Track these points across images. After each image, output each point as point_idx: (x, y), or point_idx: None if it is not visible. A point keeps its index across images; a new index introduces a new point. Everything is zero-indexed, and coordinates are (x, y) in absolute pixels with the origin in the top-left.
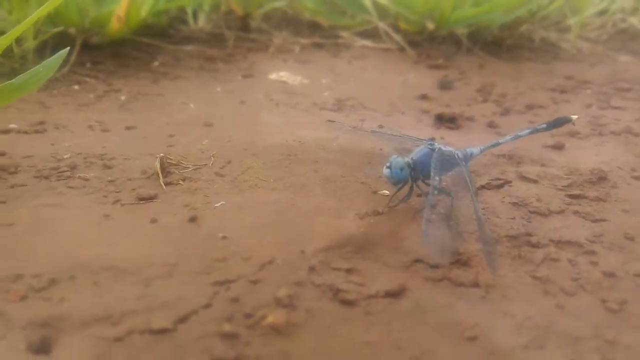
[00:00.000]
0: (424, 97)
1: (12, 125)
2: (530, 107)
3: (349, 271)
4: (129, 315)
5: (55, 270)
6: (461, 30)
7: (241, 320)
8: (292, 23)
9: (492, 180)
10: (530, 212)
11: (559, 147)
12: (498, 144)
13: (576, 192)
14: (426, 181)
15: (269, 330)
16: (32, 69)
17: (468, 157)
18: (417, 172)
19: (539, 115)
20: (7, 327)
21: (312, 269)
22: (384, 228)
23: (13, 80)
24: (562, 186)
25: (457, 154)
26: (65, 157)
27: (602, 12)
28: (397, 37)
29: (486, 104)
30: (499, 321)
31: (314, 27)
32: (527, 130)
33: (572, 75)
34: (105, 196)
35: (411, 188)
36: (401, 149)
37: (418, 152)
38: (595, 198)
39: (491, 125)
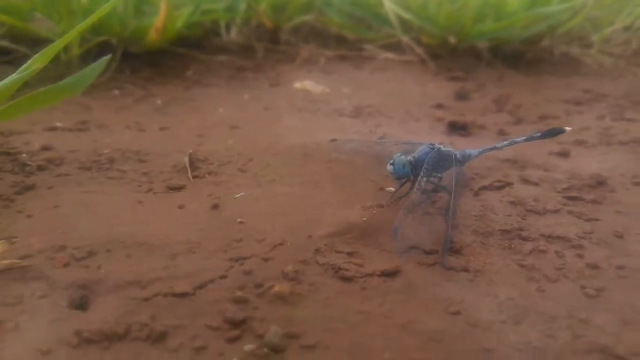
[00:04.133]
0: (439, 106)
1: (58, 124)
2: (543, 118)
3: (350, 254)
4: (155, 282)
5: (94, 244)
6: (482, 44)
7: (252, 289)
8: (319, 36)
9: (494, 182)
10: (526, 210)
11: (564, 154)
12: (495, 147)
13: (573, 194)
14: (426, 178)
15: (275, 298)
16: (77, 73)
17: (466, 158)
18: (418, 169)
19: (550, 125)
20: (52, 288)
21: (317, 250)
22: (385, 218)
23: (60, 82)
24: (561, 189)
25: (456, 155)
26: (105, 152)
27: (627, 28)
28: (419, 50)
29: (500, 113)
30: (482, 300)
31: (339, 40)
32: (523, 137)
33: (591, 88)
34: (139, 186)
35: (412, 184)
36: (408, 151)
37: (420, 151)
38: (591, 200)
39: (501, 133)
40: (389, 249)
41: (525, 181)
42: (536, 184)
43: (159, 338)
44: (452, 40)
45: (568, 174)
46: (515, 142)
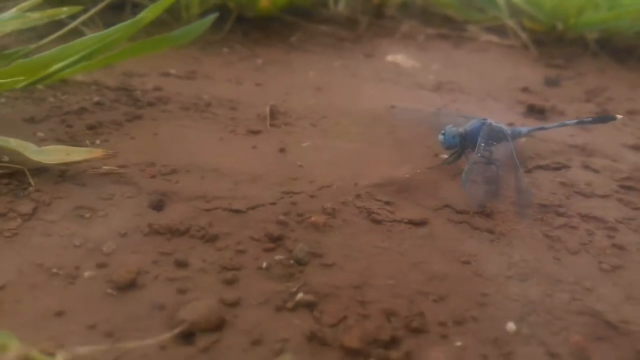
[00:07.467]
0: (525, 89)
1: (172, 71)
2: (630, 112)
3: (386, 203)
4: (218, 199)
5: (177, 165)
6: (591, 35)
7: (293, 216)
8: (424, 14)
9: (552, 163)
10: (573, 191)
11: (636, 148)
12: (543, 128)
13: (630, 184)
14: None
15: (310, 226)
16: (186, 26)
17: (516, 134)
18: (467, 142)
19: (633, 121)
20: (138, 192)
21: (358, 196)
22: (428, 179)
23: (170, 33)
24: (620, 178)
25: (506, 130)
26: (204, 97)
27: None
28: (523, 35)
29: (587, 104)
30: (496, 257)
31: (444, 19)
32: (574, 121)
33: None
34: (225, 127)
35: (460, 154)
36: (463, 124)
37: (471, 124)
38: None
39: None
40: (423, 204)
41: (586, 167)
42: (596, 171)
43: (211, 239)
44: (559, 27)
45: (633, 166)
46: (565, 125)
